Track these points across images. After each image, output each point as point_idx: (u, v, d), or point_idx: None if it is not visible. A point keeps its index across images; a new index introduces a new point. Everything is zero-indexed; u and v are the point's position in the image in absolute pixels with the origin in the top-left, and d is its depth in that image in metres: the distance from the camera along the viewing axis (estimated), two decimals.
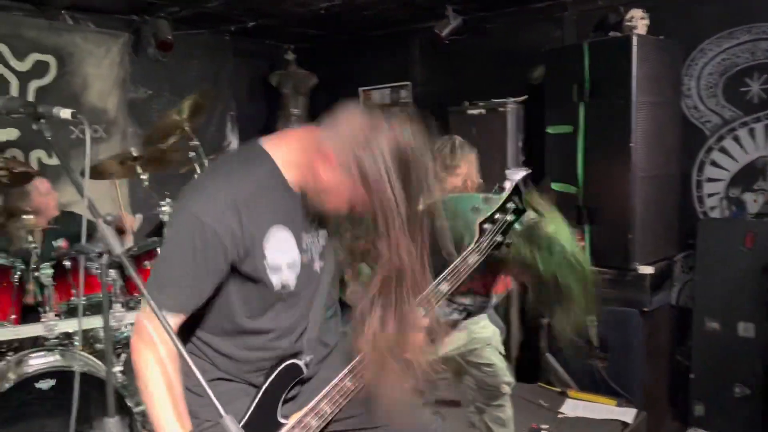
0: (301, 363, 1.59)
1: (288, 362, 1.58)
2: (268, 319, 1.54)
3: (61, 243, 3.51)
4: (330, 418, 1.54)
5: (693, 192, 3.93)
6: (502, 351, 2.69)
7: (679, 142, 3.82)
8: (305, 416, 1.54)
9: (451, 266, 1.70)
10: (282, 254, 1.48)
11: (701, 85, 3.86)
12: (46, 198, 3.50)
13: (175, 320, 1.42)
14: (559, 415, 3.37)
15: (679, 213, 3.86)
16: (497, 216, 1.79)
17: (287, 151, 1.49)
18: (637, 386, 3.59)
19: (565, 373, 3.82)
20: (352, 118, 1.41)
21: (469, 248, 1.75)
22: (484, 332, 2.66)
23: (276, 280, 1.48)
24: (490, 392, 2.60)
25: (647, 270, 3.55)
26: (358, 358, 1.58)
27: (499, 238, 1.78)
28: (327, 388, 1.57)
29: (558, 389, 3.74)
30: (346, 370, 1.58)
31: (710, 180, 3.88)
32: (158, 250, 3.41)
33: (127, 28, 4.57)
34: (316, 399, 1.56)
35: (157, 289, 1.39)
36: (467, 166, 3.41)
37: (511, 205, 1.82)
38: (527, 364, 4.27)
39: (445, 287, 1.68)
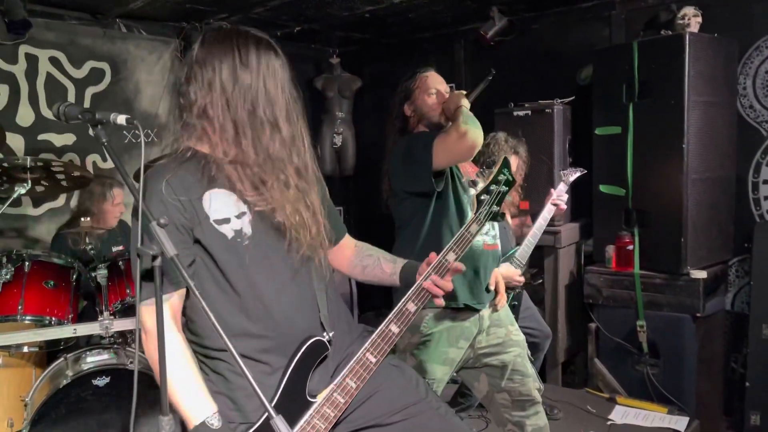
0: (324, 339, 1.63)
1: (313, 339, 1.61)
2: (260, 278, 1.57)
3: (120, 248, 3.65)
4: (355, 393, 1.58)
5: (749, 194, 3.81)
6: (531, 357, 2.66)
7: (734, 142, 3.71)
8: (332, 393, 1.57)
9: (455, 236, 1.81)
10: (225, 207, 1.55)
11: (757, 83, 3.74)
12: (115, 208, 3.65)
13: (167, 304, 1.50)
14: (608, 422, 3.31)
15: (734, 216, 3.75)
16: (492, 187, 1.95)
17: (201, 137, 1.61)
18: (689, 394, 3.50)
19: (614, 379, 3.75)
20: None
21: (470, 219, 1.89)
22: (520, 336, 2.62)
23: (227, 229, 1.55)
24: (525, 401, 2.55)
25: (700, 275, 3.46)
26: (378, 330, 1.63)
27: (495, 208, 1.94)
28: (350, 363, 1.60)
29: (606, 395, 3.67)
30: (367, 344, 1.62)
31: (767, 182, 3.75)
32: None
33: (177, 34, 4.69)
34: (341, 375, 1.59)
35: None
36: (518, 161, 3.40)
37: (502, 177, 1.96)
38: (575, 370, 4.21)
39: (452, 256, 1.75)
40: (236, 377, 1.57)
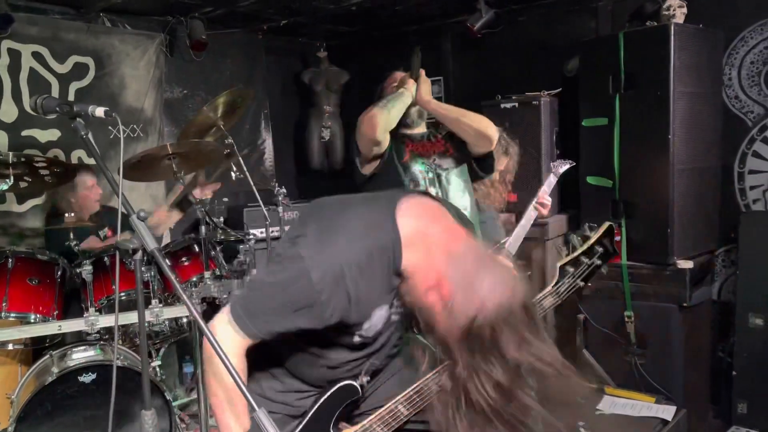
0: (356, 384, 1.60)
1: (344, 383, 1.58)
2: (337, 354, 1.55)
3: (106, 231, 3.62)
4: None
5: (735, 184, 3.83)
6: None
7: (719, 133, 3.72)
8: None
9: None
10: (374, 328, 1.48)
11: (743, 74, 3.75)
12: (90, 191, 3.63)
13: (248, 342, 1.43)
14: (597, 412, 3.32)
15: (719, 206, 3.77)
16: (582, 259, 1.64)
17: (416, 230, 1.40)
18: (677, 383, 3.53)
19: (602, 370, 3.77)
20: (477, 264, 1.32)
21: (547, 290, 1.63)
22: None
23: (358, 340, 1.50)
24: None
25: (686, 264, 3.48)
26: (414, 386, 1.56)
27: (580, 283, 1.63)
28: (381, 410, 1.55)
29: (595, 386, 3.68)
30: (401, 396, 1.55)
31: (752, 172, 3.77)
32: (195, 248, 3.47)
33: (162, 29, 4.65)
34: (369, 419, 1.55)
35: (244, 310, 1.40)
36: (506, 161, 3.40)
37: (599, 248, 1.64)
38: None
39: None
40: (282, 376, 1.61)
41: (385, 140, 2.59)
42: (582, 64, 3.95)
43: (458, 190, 2.69)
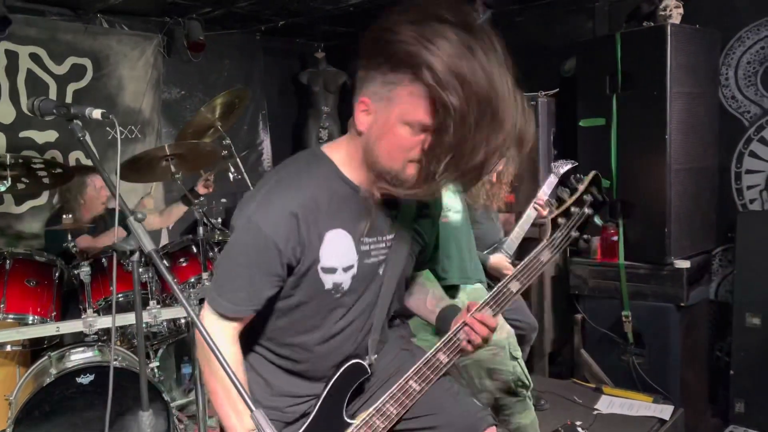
0: (365, 363, 1.60)
1: (352, 362, 1.59)
2: (330, 324, 1.55)
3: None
4: (396, 419, 1.53)
5: (732, 184, 3.84)
6: (518, 354, 2.63)
7: (716, 133, 3.73)
8: (371, 417, 1.53)
9: (521, 264, 1.61)
10: (337, 257, 1.49)
11: (739, 74, 3.76)
12: (98, 193, 3.61)
13: (233, 325, 1.47)
14: (594, 412, 3.33)
15: (716, 206, 3.78)
16: (573, 209, 1.64)
17: (345, 149, 1.50)
18: (674, 383, 3.53)
19: (600, 369, 3.78)
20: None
21: (542, 244, 1.62)
22: (498, 335, 2.54)
23: (328, 280, 1.49)
24: (509, 399, 2.56)
25: (684, 264, 3.49)
26: (423, 359, 1.57)
27: (574, 234, 1.63)
28: (393, 389, 1.55)
29: (593, 385, 3.69)
30: (411, 372, 1.56)
31: (749, 171, 3.78)
32: (193, 249, 3.48)
33: (160, 29, 4.65)
34: (382, 399, 1.55)
35: (216, 291, 1.45)
36: (504, 162, 3.40)
37: (588, 197, 1.64)
38: (561, 360, 4.23)
39: (515, 286, 1.59)
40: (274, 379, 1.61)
41: None
42: (579, 64, 3.96)
43: (449, 192, 2.71)
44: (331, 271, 1.49)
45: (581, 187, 1.65)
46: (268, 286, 1.45)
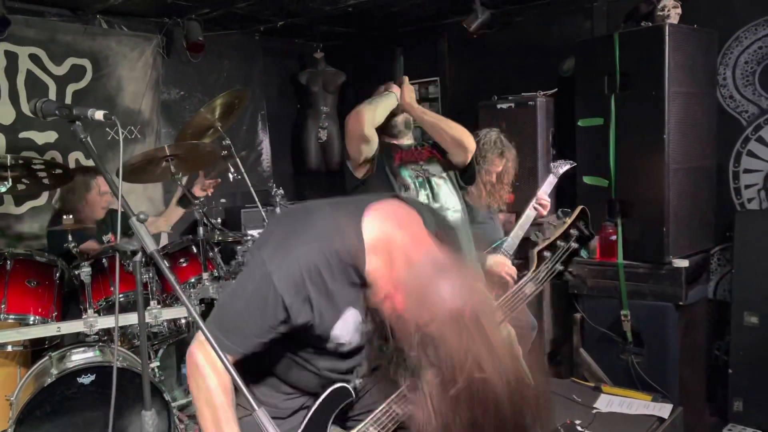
0: (350, 386, 1.61)
1: (337, 385, 1.59)
2: (322, 362, 1.56)
3: (110, 237, 3.61)
4: None
5: (730, 183, 3.85)
6: (518, 353, 2.63)
7: (714, 132, 3.74)
8: None
9: (504, 296, 1.61)
10: (347, 333, 1.48)
11: (737, 74, 3.78)
12: (101, 197, 3.60)
13: (229, 358, 1.43)
14: (593, 411, 3.33)
15: (715, 205, 3.79)
16: (559, 243, 1.64)
17: (380, 236, 1.39)
18: (673, 381, 3.54)
19: (599, 368, 3.79)
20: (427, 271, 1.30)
21: (526, 277, 1.64)
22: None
23: (332, 346, 1.50)
24: None
25: (682, 263, 3.49)
26: (406, 384, 1.54)
27: (559, 267, 1.63)
28: (376, 412, 1.54)
29: (592, 384, 3.70)
30: (395, 395, 1.54)
31: (747, 171, 3.79)
32: (193, 249, 3.48)
33: (159, 30, 4.65)
34: (364, 423, 1.55)
35: (220, 330, 1.40)
36: (503, 163, 3.42)
37: (574, 232, 1.64)
38: (560, 360, 4.24)
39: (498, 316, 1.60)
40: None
41: (373, 138, 2.65)
42: (578, 64, 3.97)
43: (448, 193, 2.72)
44: (337, 341, 1.49)
45: (568, 221, 1.66)
46: (266, 335, 1.42)
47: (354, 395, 1.62)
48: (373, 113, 2.60)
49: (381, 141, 2.71)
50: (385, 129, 2.76)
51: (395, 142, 2.81)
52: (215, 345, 1.25)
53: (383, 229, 1.39)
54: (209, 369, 1.39)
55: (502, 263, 3.02)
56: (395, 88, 2.76)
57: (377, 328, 1.52)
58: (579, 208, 1.68)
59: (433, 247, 1.37)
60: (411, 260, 1.32)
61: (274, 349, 1.52)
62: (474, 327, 1.20)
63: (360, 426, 1.55)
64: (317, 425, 1.58)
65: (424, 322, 1.21)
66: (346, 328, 1.47)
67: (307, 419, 1.57)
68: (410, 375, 1.33)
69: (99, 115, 1.49)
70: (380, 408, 1.55)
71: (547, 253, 1.64)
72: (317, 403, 1.58)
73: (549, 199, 3.24)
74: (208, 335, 1.27)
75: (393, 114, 2.76)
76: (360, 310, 1.47)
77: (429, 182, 2.72)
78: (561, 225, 1.68)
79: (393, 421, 1.54)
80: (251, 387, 1.60)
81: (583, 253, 1.67)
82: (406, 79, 2.80)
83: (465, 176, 2.88)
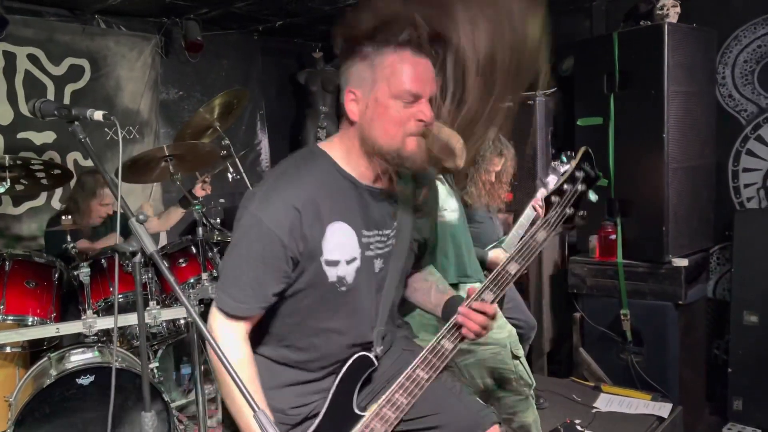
0: (371, 355, 1.61)
1: (359, 354, 1.60)
2: (337, 320, 1.57)
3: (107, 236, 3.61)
4: (407, 409, 1.52)
5: (729, 182, 3.85)
6: (519, 353, 2.64)
7: (713, 131, 3.74)
8: (382, 408, 1.52)
9: (518, 244, 1.59)
10: (340, 250, 1.51)
11: (736, 73, 3.78)
12: (102, 207, 3.59)
13: (242, 324, 1.47)
14: (593, 410, 3.34)
15: (714, 204, 3.79)
16: (565, 187, 1.62)
17: (340, 144, 1.55)
18: (672, 381, 3.54)
19: (599, 368, 3.79)
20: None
21: (537, 224, 1.61)
22: (500, 334, 2.55)
23: (332, 273, 1.51)
24: (512, 398, 2.56)
25: (682, 262, 3.50)
26: (428, 347, 1.56)
27: (569, 211, 1.60)
28: (400, 379, 1.54)
29: (591, 384, 3.70)
30: (418, 360, 1.54)
31: (746, 170, 3.79)
32: (192, 249, 3.48)
33: (158, 30, 4.65)
34: (391, 390, 1.54)
35: (222, 290, 1.46)
36: (501, 162, 3.42)
37: (580, 174, 1.62)
38: (560, 359, 4.24)
39: (513, 268, 1.56)
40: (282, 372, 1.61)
41: None
42: (577, 63, 3.97)
43: (445, 193, 2.72)
44: (334, 264, 1.50)
45: (573, 164, 1.65)
46: (274, 282, 1.46)
47: (376, 363, 1.62)
48: None
49: None
50: None
51: None
52: (217, 347, 1.24)
53: (340, 140, 1.57)
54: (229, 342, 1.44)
55: (502, 258, 3.02)
56: None
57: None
58: (582, 149, 1.66)
59: None
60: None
61: (285, 319, 1.55)
62: None
63: (386, 394, 1.54)
64: (343, 397, 1.58)
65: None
66: (339, 243, 1.50)
67: (332, 392, 1.57)
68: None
69: (98, 115, 1.49)
70: (404, 374, 1.54)
71: (555, 198, 1.61)
72: (340, 375, 1.58)
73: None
74: (208, 336, 1.26)
75: None
76: (353, 226, 1.52)
77: None
78: (565, 170, 1.65)
79: (420, 387, 1.53)
80: (266, 379, 1.59)
81: (591, 196, 1.64)
82: None
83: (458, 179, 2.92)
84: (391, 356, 1.73)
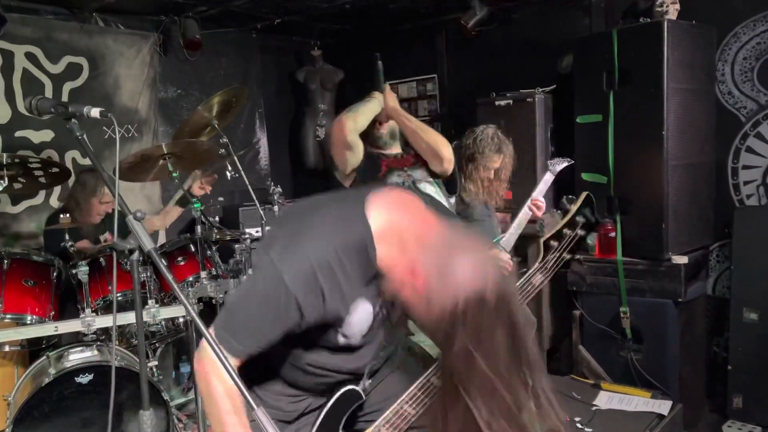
0: (359, 388, 1.60)
1: (346, 388, 1.58)
2: (333, 361, 1.55)
3: (107, 235, 3.61)
4: None
5: (728, 180, 3.85)
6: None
7: (713, 129, 3.74)
8: None
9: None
10: (358, 326, 1.47)
11: (736, 70, 3.77)
12: (102, 206, 3.59)
13: (233, 360, 1.41)
14: (593, 408, 3.33)
15: (714, 201, 3.79)
16: (565, 231, 1.64)
17: (387, 223, 1.38)
18: (672, 378, 3.54)
19: (598, 365, 3.78)
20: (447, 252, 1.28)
21: (534, 267, 1.63)
22: None
23: (343, 340, 1.49)
24: None
25: (681, 260, 3.49)
26: (417, 383, 1.53)
27: (567, 256, 1.63)
28: (387, 413, 1.52)
29: (591, 381, 3.70)
30: (405, 395, 1.53)
31: (746, 167, 3.79)
32: (191, 247, 3.47)
33: (156, 28, 4.64)
34: (376, 424, 1.53)
35: (228, 331, 1.38)
36: (500, 159, 3.41)
37: (580, 219, 1.64)
38: (560, 357, 4.24)
39: None
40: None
41: (357, 145, 2.68)
42: (576, 61, 3.95)
43: (437, 196, 2.73)
44: (350, 336, 1.49)
45: (573, 208, 1.65)
46: (278, 334, 1.40)
47: (363, 397, 1.61)
48: (354, 120, 2.66)
49: (368, 152, 2.76)
50: (371, 140, 2.81)
51: (381, 152, 2.86)
52: (217, 349, 1.23)
53: (389, 216, 1.38)
54: (214, 376, 1.37)
55: (500, 256, 3.01)
56: (377, 95, 2.82)
57: (391, 315, 1.52)
58: (584, 194, 1.67)
59: (442, 225, 1.36)
60: (424, 240, 1.31)
61: (279, 350, 1.50)
62: (498, 299, 1.19)
63: (371, 428, 1.54)
64: (328, 428, 1.57)
65: (450, 299, 1.19)
66: (358, 321, 1.46)
67: (317, 425, 1.56)
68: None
69: (95, 112, 1.48)
70: (392, 408, 1.53)
71: (553, 243, 1.63)
72: (326, 407, 1.56)
73: (544, 201, 3.23)
74: (210, 339, 1.25)
75: (378, 122, 2.81)
76: (372, 302, 1.46)
77: (415, 185, 2.76)
78: (565, 213, 1.67)
79: (405, 422, 1.51)
80: (256, 390, 1.59)
81: (589, 240, 1.65)
82: (387, 86, 2.87)
83: (449, 185, 2.95)
84: (380, 376, 1.72)
